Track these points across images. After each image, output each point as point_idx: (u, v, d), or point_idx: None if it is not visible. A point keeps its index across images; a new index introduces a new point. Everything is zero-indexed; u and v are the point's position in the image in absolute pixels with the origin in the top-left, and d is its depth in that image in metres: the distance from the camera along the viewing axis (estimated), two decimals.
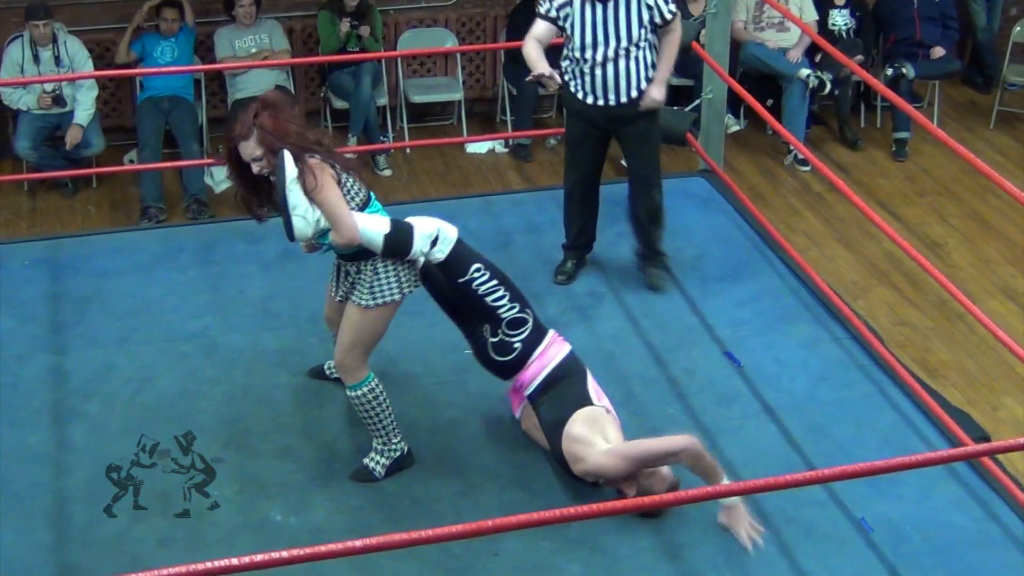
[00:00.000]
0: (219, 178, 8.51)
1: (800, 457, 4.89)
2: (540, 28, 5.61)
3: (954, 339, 7.08)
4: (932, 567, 4.41)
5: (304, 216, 4.36)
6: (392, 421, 4.70)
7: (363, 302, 4.53)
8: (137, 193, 8.25)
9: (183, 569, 3.01)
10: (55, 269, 6.07)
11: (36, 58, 8.15)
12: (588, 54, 5.55)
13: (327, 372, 5.21)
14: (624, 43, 5.51)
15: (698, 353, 5.47)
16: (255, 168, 4.40)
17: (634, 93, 5.61)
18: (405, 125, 9.13)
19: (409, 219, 4.57)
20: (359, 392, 4.62)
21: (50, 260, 6.15)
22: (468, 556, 4.38)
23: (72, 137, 8.16)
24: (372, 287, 4.51)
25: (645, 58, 5.58)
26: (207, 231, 6.65)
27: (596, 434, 4.56)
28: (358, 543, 3.14)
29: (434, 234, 4.55)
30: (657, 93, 5.63)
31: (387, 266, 4.51)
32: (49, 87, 8.14)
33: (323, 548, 3.14)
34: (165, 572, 2.99)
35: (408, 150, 8.93)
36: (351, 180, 4.47)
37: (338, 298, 4.70)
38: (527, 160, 8.92)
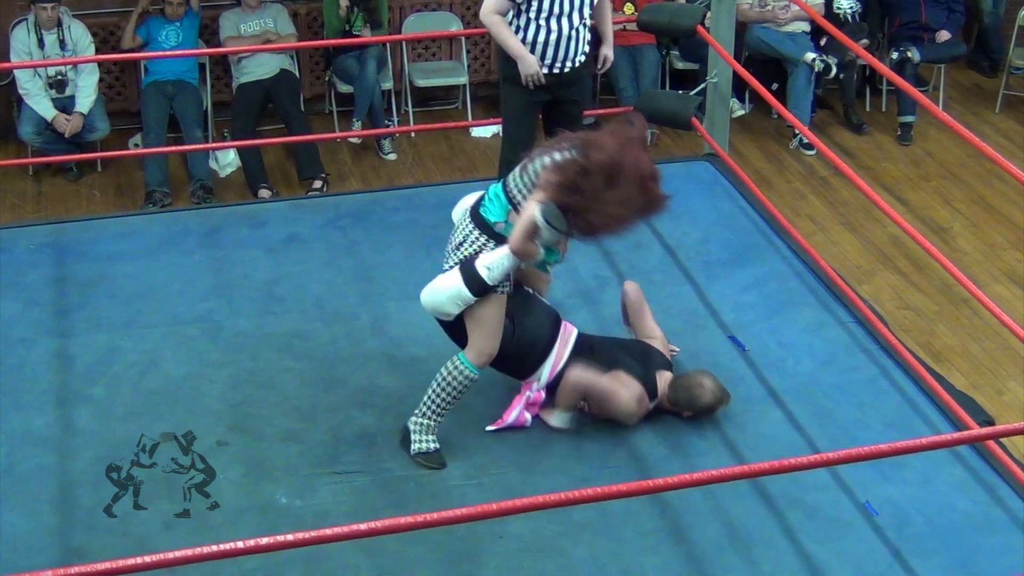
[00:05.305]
0: (224, 162, 8.50)
1: (804, 440, 4.89)
2: (500, 2, 5.62)
3: (959, 323, 7.07)
4: (936, 550, 4.42)
5: None
6: None
7: None
8: (142, 177, 8.24)
9: (188, 552, 3.02)
10: (60, 253, 6.06)
11: (41, 42, 8.13)
12: (553, 24, 5.59)
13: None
14: (579, 20, 5.64)
15: (703, 337, 5.46)
16: None
17: (580, 59, 5.76)
18: (410, 109, 9.12)
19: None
20: None
21: (55, 244, 6.15)
22: (473, 539, 4.38)
23: (72, 126, 8.14)
24: None
25: (587, 32, 5.77)
26: (212, 215, 6.64)
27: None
28: (363, 526, 3.14)
29: None
30: (611, 53, 6.03)
31: None
32: (52, 71, 8.13)
33: (328, 531, 3.14)
34: (170, 555, 2.99)
35: (413, 134, 8.93)
36: None
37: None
38: None
